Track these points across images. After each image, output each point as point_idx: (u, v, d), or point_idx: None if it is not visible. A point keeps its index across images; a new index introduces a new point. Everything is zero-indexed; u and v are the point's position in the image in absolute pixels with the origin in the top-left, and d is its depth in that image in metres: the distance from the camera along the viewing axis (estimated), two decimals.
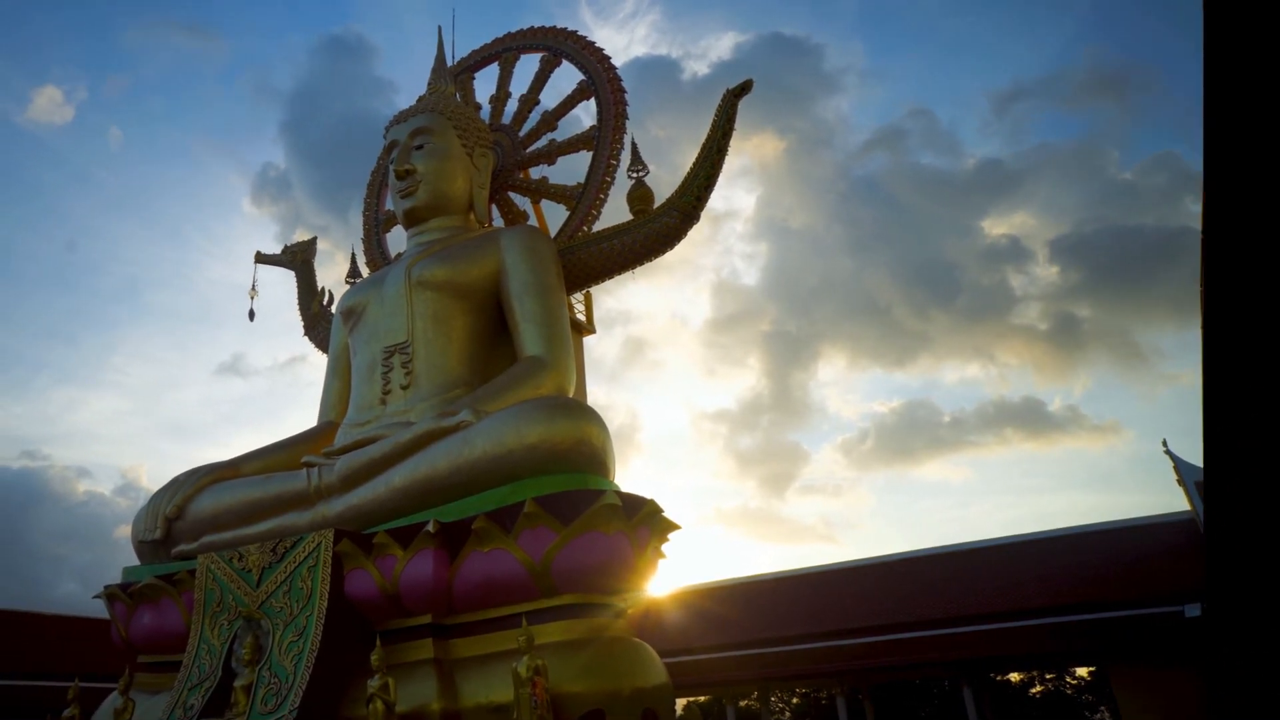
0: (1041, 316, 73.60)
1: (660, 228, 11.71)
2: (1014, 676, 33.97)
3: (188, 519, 10.09)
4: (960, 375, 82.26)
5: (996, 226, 76.59)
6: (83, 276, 69.81)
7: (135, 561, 10.55)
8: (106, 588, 10.16)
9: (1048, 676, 34.28)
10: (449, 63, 14.55)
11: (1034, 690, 34.58)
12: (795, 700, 38.98)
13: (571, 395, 10.79)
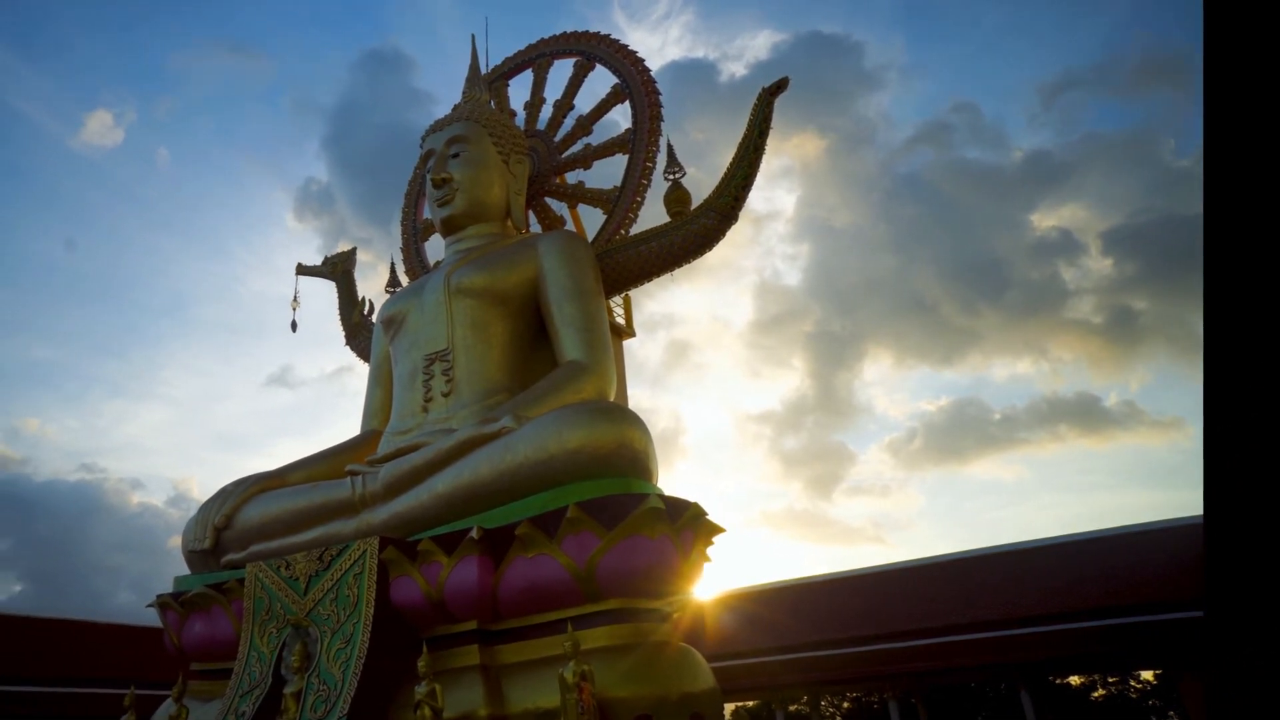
0: (1096, 310, 71.95)
1: (698, 229, 11.62)
2: (1074, 680, 33.09)
3: (236, 528, 10.22)
4: (1011, 372, 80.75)
5: (1046, 219, 75.08)
6: (130, 292, 71.98)
7: (186, 571, 10.71)
8: (159, 597, 10.33)
9: (1110, 680, 33.33)
10: (483, 71, 14.63)
11: (1096, 694, 33.65)
12: (846, 705, 38.39)
13: (612, 399, 10.73)
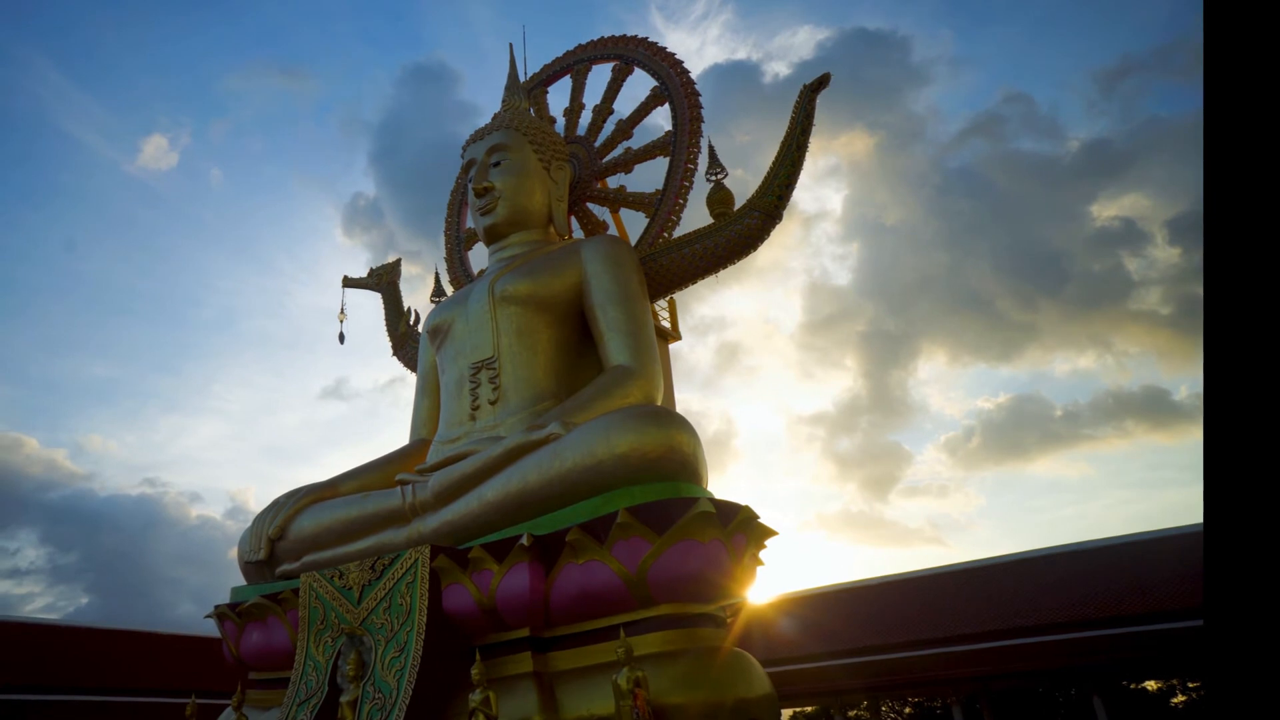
0: (1163, 301, 69.69)
1: (742, 229, 11.49)
2: (1151, 685, 31.96)
3: (289, 539, 10.33)
4: (1072, 367, 78.66)
5: (1106, 209, 73.03)
6: (183, 309, 74.08)
7: (244, 582, 10.85)
8: (216, 607, 10.48)
9: (1191, 685, 32.11)
10: (522, 79, 14.67)
11: (1175, 700, 32.44)
12: (907, 710, 37.58)
13: (660, 403, 10.62)
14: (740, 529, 8.50)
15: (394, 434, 12.85)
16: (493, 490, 9.08)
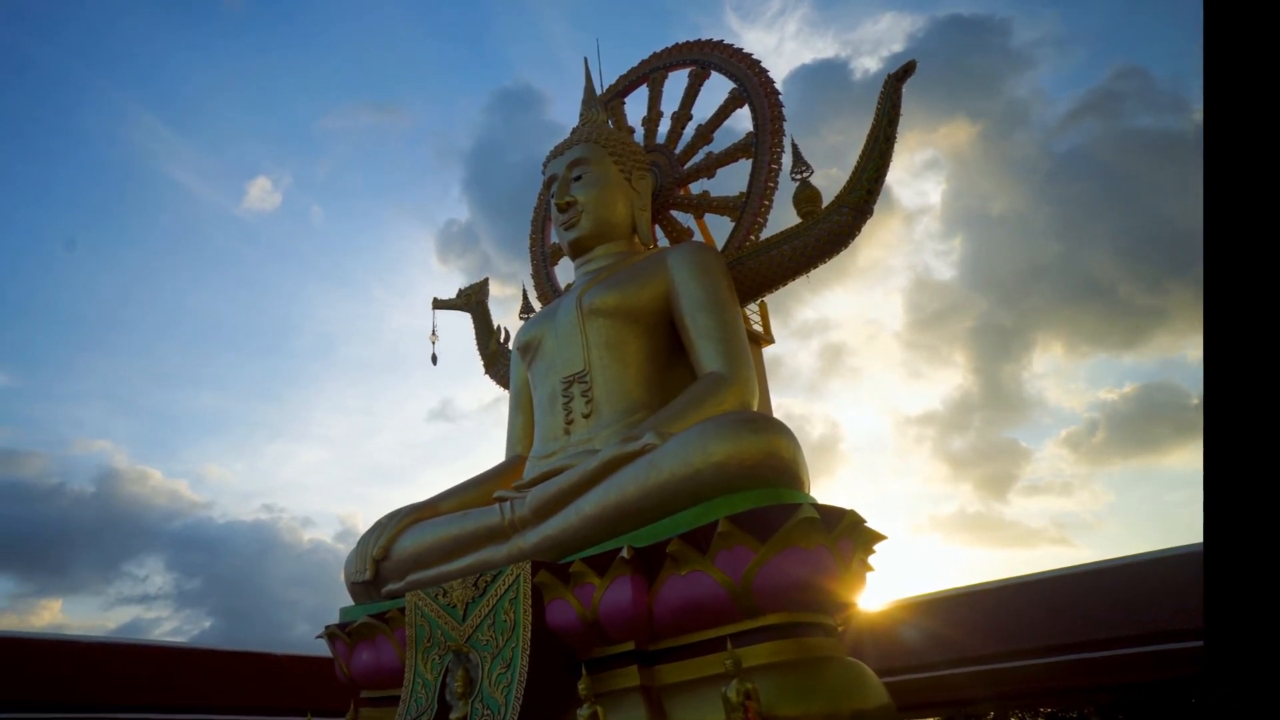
0: None
1: (831, 226, 11.20)
2: None
3: (393, 559, 10.46)
4: None
5: None
6: (282, 339, 77.14)
7: (352, 602, 11.05)
8: (327, 628, 10.69)
9: None
10: (599, 91, 14.71)
11: None
12: None
13: (755, 409, 10.42)
14: (847, 534, 8.25)
15: (497, 452, 12.94)
16: (590, 504, 9.02)
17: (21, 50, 55.66)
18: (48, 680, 19.74)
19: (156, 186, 64.37)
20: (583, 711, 7.37)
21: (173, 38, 61.89)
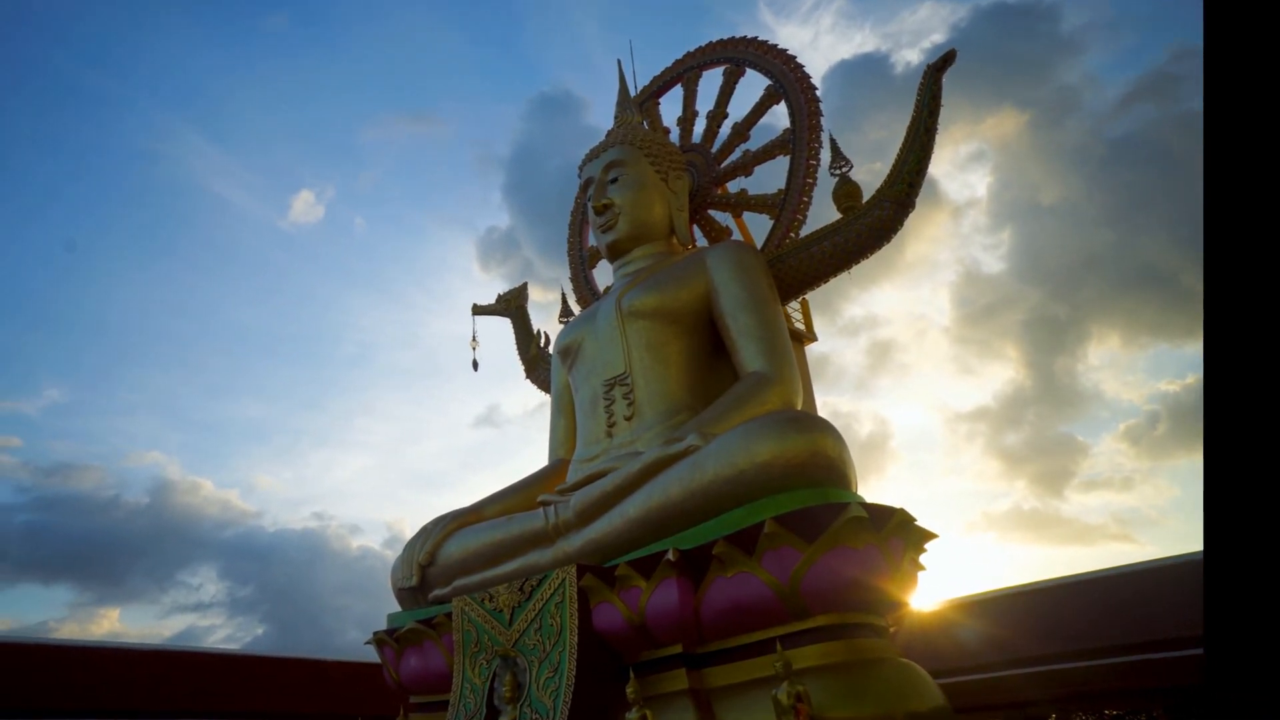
0: None
1: (873, 221, 11.03)
2: None
3: (439, 564, 10.49)
4: None
5: None
6: (325, 349, 78.35)
7: (399, 608, 11.10)
8: (375, 634, 10.75)
9: None
10: (633, 92, 14.66)
11: None
12: None
13: (799, 408, 10.29)
14: (896, 533, 8.10)
15: (543, 456, 12.94)
16: (635, 506, 8.96)
17: (68, 73, 57.30)
18: (103, 687, 20.22)
19: (203, 203, 65.80)
20: (631, 715, 7.31)
21: (215, 57, 63.32)
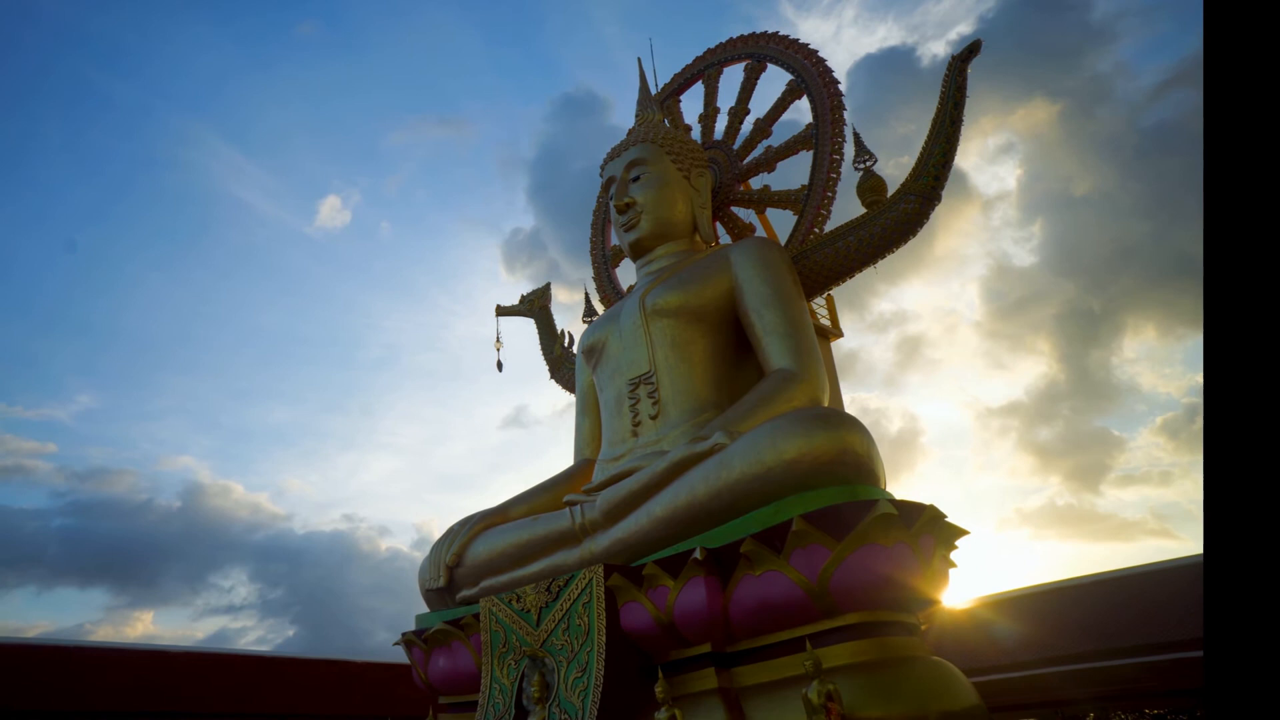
0: None
1: (898, 215, 10.92)
2: None
3: (466, 565, 10.50)
4: None
5: None
6: (351, 352, 78.99)
7: (427, 609, 11.13)
8: (404, 635, 10.77)
9: None
10: (654, 90, 14.62)
11: None
12: None
13: (826, 404, 10.19)
14: (927, 529, 7.99)
15: (570, 456, 12.95)
16: (661, 505, 8.91)
17: (88, 80, 58.08)
18: (139, 689, 20.49)
19: (229, 209, 66.51)
20: (661, 715, 7.27)
21: (240, 64, 63.98)
